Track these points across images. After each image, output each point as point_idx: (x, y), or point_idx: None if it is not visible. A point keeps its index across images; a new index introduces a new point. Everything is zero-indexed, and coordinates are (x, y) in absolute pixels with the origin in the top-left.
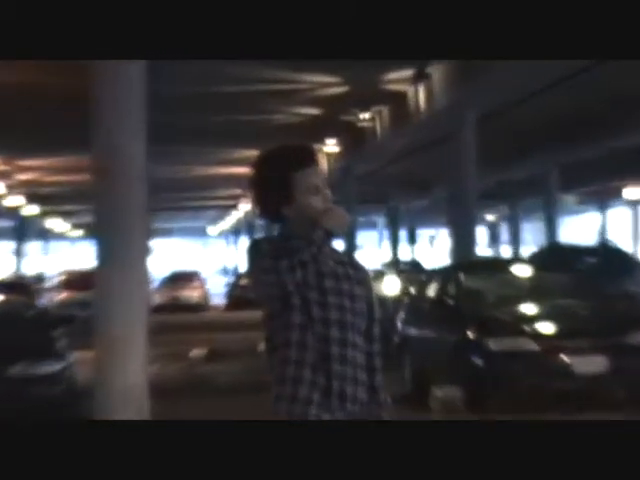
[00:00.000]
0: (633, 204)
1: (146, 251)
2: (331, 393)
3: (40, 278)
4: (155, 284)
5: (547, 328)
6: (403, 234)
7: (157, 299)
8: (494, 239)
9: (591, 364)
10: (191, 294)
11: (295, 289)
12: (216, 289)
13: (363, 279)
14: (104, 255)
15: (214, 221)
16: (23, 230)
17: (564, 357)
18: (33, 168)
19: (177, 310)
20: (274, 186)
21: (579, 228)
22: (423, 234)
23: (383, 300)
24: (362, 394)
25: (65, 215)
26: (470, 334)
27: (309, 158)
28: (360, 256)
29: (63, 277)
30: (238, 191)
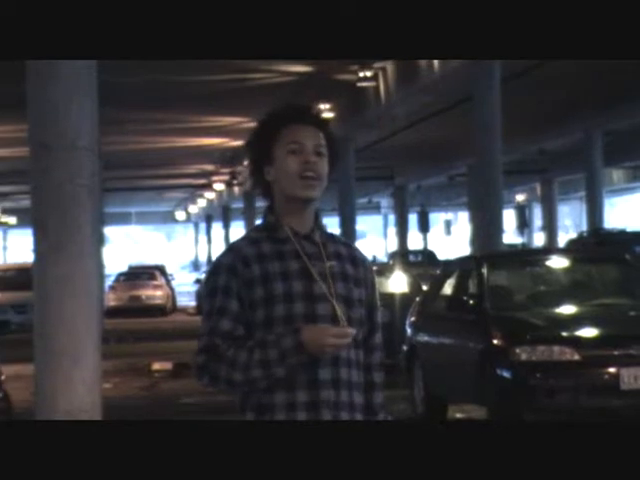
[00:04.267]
0: None
1: (97, 242)
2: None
3: None
4: (109, 282)
5: (590, 333)
6: (413, 218)
7: (111, 300)
8: (525, 224)
9: None
10: (153, 293)
11: (279, 301)
12: (184, 287)
13: (364, 278)
14: (44, 247)
15: (181, 204)
16: None
17: (611, 369)
18: None
19: (136, 313)
20: (258, 142)
21: (629, 210)
22: (437, 218)
23: (389, 299)
24: (358, 419)
25: None
26: (496, 341)
27: (301, 114)
28: (361, 246)
29: None
30: (210, 167)
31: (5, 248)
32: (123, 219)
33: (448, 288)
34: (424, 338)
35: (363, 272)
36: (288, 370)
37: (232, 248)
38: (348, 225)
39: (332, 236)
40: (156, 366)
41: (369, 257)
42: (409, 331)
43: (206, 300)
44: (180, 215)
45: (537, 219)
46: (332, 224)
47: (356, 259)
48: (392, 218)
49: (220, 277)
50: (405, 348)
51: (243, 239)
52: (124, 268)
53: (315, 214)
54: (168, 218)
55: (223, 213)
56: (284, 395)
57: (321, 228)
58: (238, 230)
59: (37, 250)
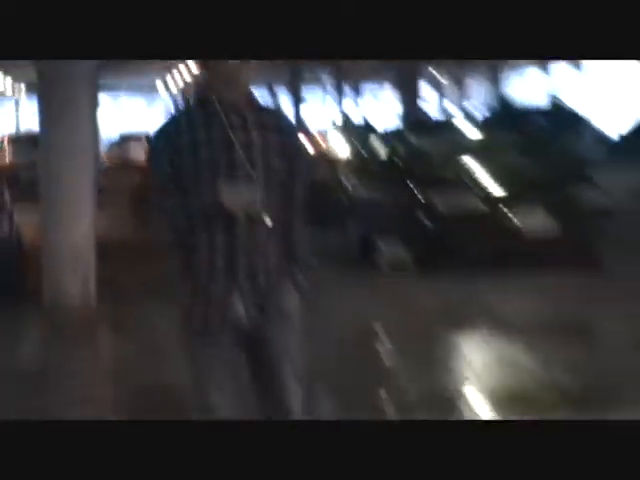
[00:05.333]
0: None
1: (95, 106)
2: (237, 267)
3: None
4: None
5: (493, 186)
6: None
7: (106, 162)
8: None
9: (540, 223)
10: (143, 155)
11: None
12: None
13: (288, 143)
14: (48, 113)
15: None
16: None
17: (512, 217)
18: None
19: (127, 171)
20: None
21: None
22: (369, 89)
23: (331, 161)
24: (271, 260)
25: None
26: (417, 194)
27: None
28: (304, 111)
29: (8, 141)
30: None
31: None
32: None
33: (381, 152)
34: (360, 193)
35: (287, 138)
36: (207, 220)
37: (169, 118)
38: (294, 93)
39: (261, 107)
40: None
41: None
42: (347, 186)
43: (151, 156)
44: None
45: (451, 94)
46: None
47: (282, 128)
48: (331, 90)
49: (156, 140)
50: (346, 200)
51: (179, 111)
52: (116, 136)
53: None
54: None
55: None
56: (206, 236)
57: (252, 99)
58: None
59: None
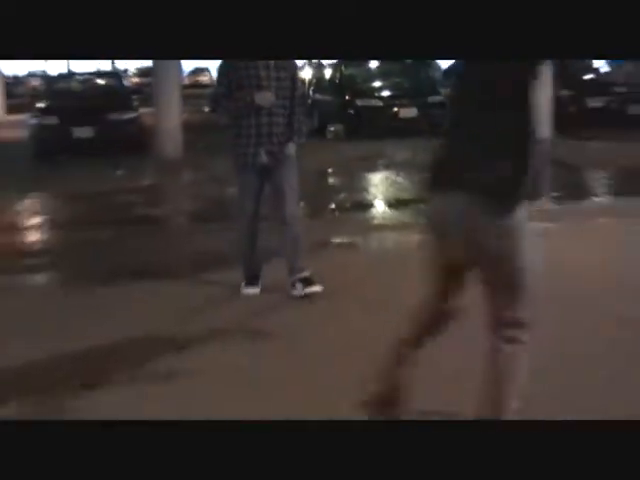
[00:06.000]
0: None
1: None
2: (262, 134)
3: (126, 71)
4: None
5: (387, 93)
6: None
7: (185, 81)
8: None
9: (410, 112)
10: (205, 79)
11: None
12: None
13: (291, 70)
14: None
15: None
16: None
17: (395, 109)
18: None
19: (199, 87)
20: None
21: None
22: None
23: (303, 81)
24: (281, 130)
25: None
26: (348, 97)
27: None
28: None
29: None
30: None
31: None
32: None
33: (327, 75)
34: (317, 97)
35: (289, 70)
36: (248, 108)
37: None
38: None
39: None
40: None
41: None
42: (311, 94)
43: (217, 78)
44: None
45: None
46: None
47: (286, 66)
48: None
49: (221, 66)
50: (309, 102)
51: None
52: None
53: None
54: None
55: None
56: (246, 119)
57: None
58: None
59: None
